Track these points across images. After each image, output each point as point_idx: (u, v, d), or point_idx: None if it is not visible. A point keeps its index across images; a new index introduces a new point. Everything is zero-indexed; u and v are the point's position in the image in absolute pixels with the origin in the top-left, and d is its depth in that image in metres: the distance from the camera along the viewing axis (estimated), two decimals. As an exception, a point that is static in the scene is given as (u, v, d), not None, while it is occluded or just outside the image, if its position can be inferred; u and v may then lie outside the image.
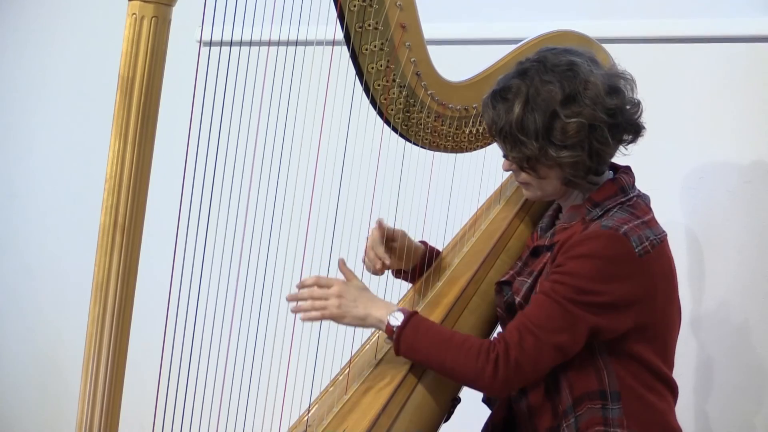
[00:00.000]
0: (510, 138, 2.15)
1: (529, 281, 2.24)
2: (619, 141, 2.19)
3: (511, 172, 2.30)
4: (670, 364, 2.26)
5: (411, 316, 2.15)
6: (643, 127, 2.23)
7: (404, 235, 2.50)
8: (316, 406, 2.26)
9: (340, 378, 2.30)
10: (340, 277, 2.27)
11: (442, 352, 2.12)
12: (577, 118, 2.10)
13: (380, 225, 2.44)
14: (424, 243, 2.57)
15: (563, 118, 2.10)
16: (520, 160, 2.18)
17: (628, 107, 2.18)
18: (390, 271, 2.54)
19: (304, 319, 2.22)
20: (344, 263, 2.30)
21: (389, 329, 2.16)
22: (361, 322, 2.21)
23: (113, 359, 1.78)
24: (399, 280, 2.59)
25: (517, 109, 2.12)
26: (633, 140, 2.23)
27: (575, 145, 2.11)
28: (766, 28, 3.03)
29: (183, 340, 2.12)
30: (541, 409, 2.21)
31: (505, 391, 2.16)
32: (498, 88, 2.19)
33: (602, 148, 2.14)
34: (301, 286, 2.24)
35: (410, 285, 2.55)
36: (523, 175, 2.23)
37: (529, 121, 2.12)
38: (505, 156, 2.25)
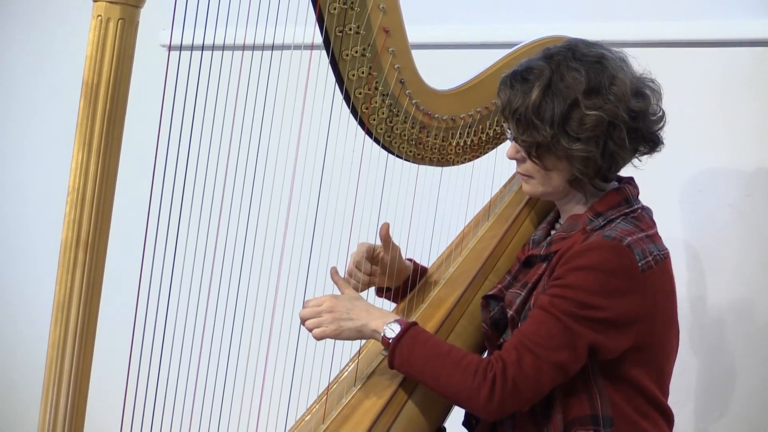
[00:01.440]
0: (523, 121, 2.17)
1: (523, 293, 2.24)
2: (635, 149, 2.21)
3: (505, 182, 2.30)
4: (666, 392, 2.27)
5: (408, 328, 2.16)
6: (662, 142, 2.25)
7: (399, 252, 2.51)
8: (291, 437, 2.25)
9: (317, 407, 2.29)
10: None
11: (438, 368, 2.11)
12: (598, 111, 2.11)
13: (386, 229, 2.44)
14: (412, 261, 2.58)
15: (583, 108, 2.12)
16: (528, 145, 2.19)
17: (651, 115, 2.20)
18: (373, 288, 2.54)
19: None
20: (336, 272, 2.33)
21: (385, 341, 2.16)
22: (359, 335, 2.22)
23: (75, 385, 1.76)
24: (381, 299, 2.58)
25: (536, 91, 2.14)
26: (649, 152, 2.25)
27: (590, 139, 2.13)
28: (766, 31, 3.05)
29: (150, 365, 2.11)
30: (527, 430, 2.21)
31: (500, 414, 2.13)
32: (520, 69, 2.21)
33: (617, 150, 2.16)
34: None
35: (392, 305, 2.55)
36: (528, 165, 2.24)
37: (546, 106, 2.13)
38: (513, 139, 2.25)
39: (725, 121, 3.12)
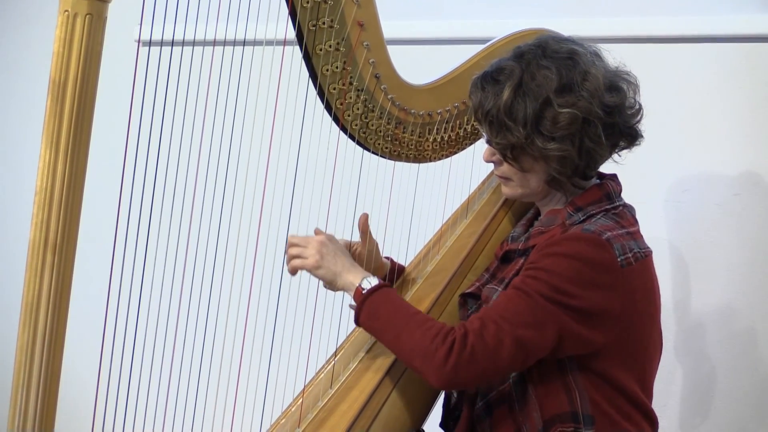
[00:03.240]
0: (496, 123, 2.18)
1: (500, 289, 2.25)
2: (614, 145, 2.23)
3: (483, 179, 2.31)
4: (649, 394, 2.28)
5: (384, 285, 2.20)
6: (641, 135, 2.27)
7: (377, 247, 2.54)
8: (267, 440, 2.27)
9: (293, 409, 2.30)
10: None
11: (400, 326, 2.13)
12: (571, 109, 2.13)
13: (364, 220, 2.48)
14: (389, 259, 2.61)
15: (556, 107, 2.13)
16: (503, 147, 2.21)
17: (627, 109, 2.22)
18: None
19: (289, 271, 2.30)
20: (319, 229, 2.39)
21: (358, 292, 2.20)
22: (333, 278, 2.26)
23: (44, 388, 1.76)
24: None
25: (507, 92, 2.16)
26: (628, 147, 2.27)
27: (564, 138, 2.15)
28: (756, 26, 3.06)
29: (120, 368, 2.12)
30: (506, 429, 2.23)
31: (452, 381, 2.11)
32: (490, 69, 2.23)
33: (594, 147, 2.17)
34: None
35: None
36: (505, 167, 2.26)
37: (518, 107, 2.15)
38: (488, 142, 2.28)
39: (712, 118, 3.13)
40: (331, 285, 2.29)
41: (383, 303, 2.18)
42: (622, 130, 2.21)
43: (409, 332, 2.12)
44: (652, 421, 2.27)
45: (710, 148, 3.14)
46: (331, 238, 2.31)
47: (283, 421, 2.29)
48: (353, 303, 2.23)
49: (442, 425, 2.44)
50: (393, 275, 2.57)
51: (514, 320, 2.07)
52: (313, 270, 2.27)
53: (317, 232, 2.35)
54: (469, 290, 2.36)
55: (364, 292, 2.19)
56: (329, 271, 2.26)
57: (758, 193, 3.08)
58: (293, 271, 2.30)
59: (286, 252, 2.31)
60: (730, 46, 3.09)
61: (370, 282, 2.20)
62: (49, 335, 1.76)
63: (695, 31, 3.14)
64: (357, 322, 2.21)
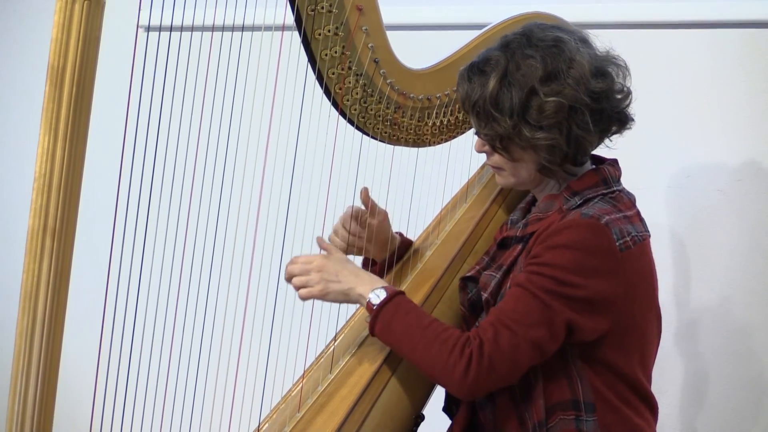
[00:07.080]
0: (483, 113, 2.18)
1: (498, 276, 2.25)
2: (603, 130, 2.22)
3: (482, 163, 2.31)
4: (648, 378, 2.29)
5: (394, 296, 2.19)
6: (631, 119, 2.26)
7: (386, 216, 2.54)
8: (267, 425, 2.27)
9: (293, 394, 2.31)
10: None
11: (416, 339, 2.14)
12: (557, 97, 2.12)
13: (365, 194, 2.48)
14: (400, 234, 2.62)
15: (541, 96, 2.13)
16: (492, 138, 2.21)
17: (616, 94, 2.21)
18: (361, 260, 2.59)
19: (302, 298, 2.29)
20: (322, 239, 2.37)
21: (369, 306, 2.20)
22: (345, 298, 2.26)
23: (44, 375, 1.76)
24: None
25: (492, 82, 2.15)
26: (618, 131, 2.26)
27: (552, 127, 2.14)
28: (758, 12, 3.05)
29: (120, 355, 2.12)
30: (509, 417, 2.23)
31: (474, 392, 2.14)
32: (477, 60, 2.22)
33: (582, 134, 2.16)
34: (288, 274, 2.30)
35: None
36: (496, 158, 2.26)
37: (504, 97, 2.15)
38: (476, 134, 2.28)
39: (714, 104, 3.13)
40: (345, 302, 2.30)
41: (396, 315, 2.17)
42: (611, 115, 2.21)
43: (425, 346, 2.13)
44: (652, 405, 2.28)
45: (712, 135, 3.14)
46: (328, 257, 2.30)
47: (282, 405, 2.29)
48: (368, 318, 2.23)
49: (445, 410, 2.45)
50: (402, 252, 2.59)
51: (525, 321, 2.08)
52: (321, 298, 2.27)
53: (321, 244, 2.36)
54: (469, 274, 2.36)
55: (374, 307, 2.19)
56: (338, 293, 2.25)
57: (760, 178, 3.08)
58: (305, 298, 2.28)
59: (286, 278, 2.31)
60: (732, 31, 3.09)
61: (378, 295, 2.20)
62: (49, 321, 1.76)
63: (697, 17, 3.14)
64: (372, 334, 2.22)
